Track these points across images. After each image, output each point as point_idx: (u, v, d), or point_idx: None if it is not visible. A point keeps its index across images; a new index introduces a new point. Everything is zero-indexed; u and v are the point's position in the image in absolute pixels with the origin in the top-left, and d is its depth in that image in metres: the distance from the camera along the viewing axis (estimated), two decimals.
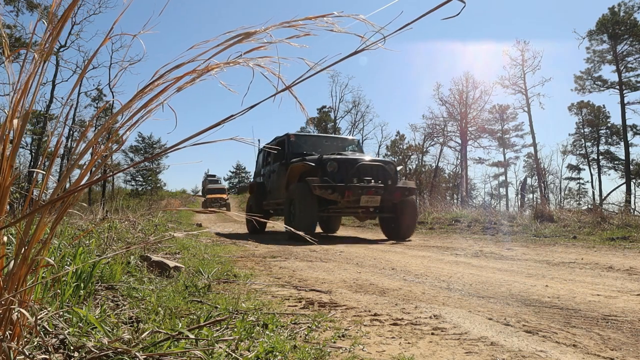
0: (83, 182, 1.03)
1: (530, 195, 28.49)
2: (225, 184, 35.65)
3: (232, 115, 0.90)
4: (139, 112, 0.99)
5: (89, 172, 1.05)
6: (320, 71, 0.90)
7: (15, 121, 0.95)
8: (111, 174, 1.12)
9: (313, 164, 6.58)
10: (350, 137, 8.98)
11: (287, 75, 0.96)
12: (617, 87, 29.18)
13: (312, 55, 0.96)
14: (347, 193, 6.17)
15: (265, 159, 9.19)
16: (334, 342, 1.45)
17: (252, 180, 10.21)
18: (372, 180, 6.47)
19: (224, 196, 27.46)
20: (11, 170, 0.98)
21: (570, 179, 37.85)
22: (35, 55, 0.97)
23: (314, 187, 6.16)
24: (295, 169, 7.02)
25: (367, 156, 7.19)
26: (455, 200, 27.52)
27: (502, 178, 38.37)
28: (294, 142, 7.87)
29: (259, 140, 9.62)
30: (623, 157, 30.67)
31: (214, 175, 35.05)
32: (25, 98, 0.98)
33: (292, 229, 1.17)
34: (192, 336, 1.26)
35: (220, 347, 1.25)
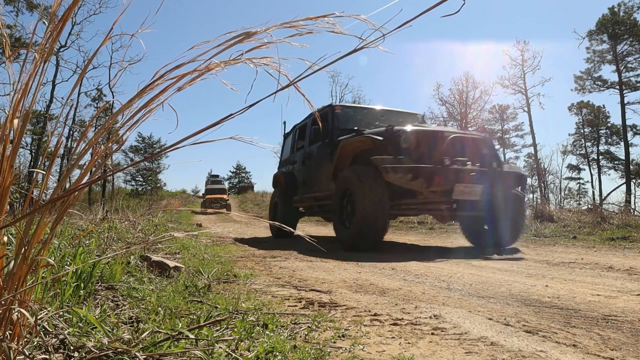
0: (83, 182, 1.03)
1: (530, 195, 28.51)
2: (226, 184, 34.19)
3: (231, 114, 0.90)
4: (140, 111, 0.99)
5: (89, 172, 1.05)
6: (323, 67, 0.90)
7: (15, 121, 0.95)
8: (111, 173, 1.12)
9: (379, 138, 4.43)
10: (412, 112, 6.44)
11: (288, 74, 0.95)
12: (617, 87, 29.20)
13: (313, 56, 0.96)
14: (436, 179, 4.06)
15: (296, 142, 7.00)
16: (334, 342, 1.45)
17: (277, 171, 7.95)
18: (470, 162, 4.31)
19: (225, 196, 25.77)
20: (11, 170, 0.98)
21: (570, 179, 37.88)
22: (36, 55, 0.97)
23: (386, 169, 4.06)
24: (347, 148, 4.91)
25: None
26: None
27: None
28: (341, 115, 5.66)
29: (285, 122, 7.99)
30: (623, 157, 30.69)
31: (217, 176, 32.92)
32: (25, 98, 0.98)
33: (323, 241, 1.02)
34: (192, 336, 1.26)
35: (220, 347, 1.25)
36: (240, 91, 0.98)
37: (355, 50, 0.87)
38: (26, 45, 1.00)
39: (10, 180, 0.98)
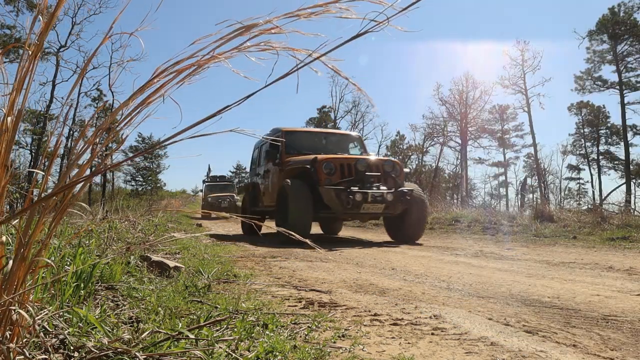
0: (81, 178, 1.02)
1: (530, 195, 28.44)
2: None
3: (228, 106, 0.89)
4: (139, 107, 0.98)
5: (87, 170, 1.05)
6: (335, 48, 0.86)
7: (8, 119, 0.95)
8: (106, 168, 1.12)
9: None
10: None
11: (289, 67, 0.92)
12: (617, 87, 29.20)
13: (318, 45, 0.92)
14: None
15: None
16: (334, 342, 1.45)
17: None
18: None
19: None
20: (5, 170, 0.97)
21: (570, 179, 37.84)
22: (30, 53, 0.97)
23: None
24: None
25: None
26: (455, 200, 27.47)
27: (502, 178, 38.36)
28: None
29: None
30: (623, 157, 30.67)
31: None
32: (20, 95, 0.97)
33: None
34: (192, 336, 1.26)
35: (220, 347, 1.25)
36: (253, 78, 0.95)
37: (359, 35, 0.83)
38: (17, 41, 1.00)
39: (6, 181, 0.98)
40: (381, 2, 0.84)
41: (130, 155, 37.67)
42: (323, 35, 0.92)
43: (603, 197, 29.66)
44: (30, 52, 0.96)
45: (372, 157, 6.43)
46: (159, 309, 1.67)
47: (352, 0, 0.87)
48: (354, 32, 0.85)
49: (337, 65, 0.92)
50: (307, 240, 1.09)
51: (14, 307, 0.97)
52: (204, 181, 22.67)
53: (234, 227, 10.82)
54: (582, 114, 35.95)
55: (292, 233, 1.06)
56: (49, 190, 1.11)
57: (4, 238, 1.02)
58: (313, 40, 0.93)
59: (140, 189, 39.37)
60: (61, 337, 1.17)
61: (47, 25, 0.96)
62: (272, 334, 1.45)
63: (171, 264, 2.65)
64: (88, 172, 1.06)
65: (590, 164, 35.39)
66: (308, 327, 1.61)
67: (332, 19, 0.89)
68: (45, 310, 1.30)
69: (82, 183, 1.02)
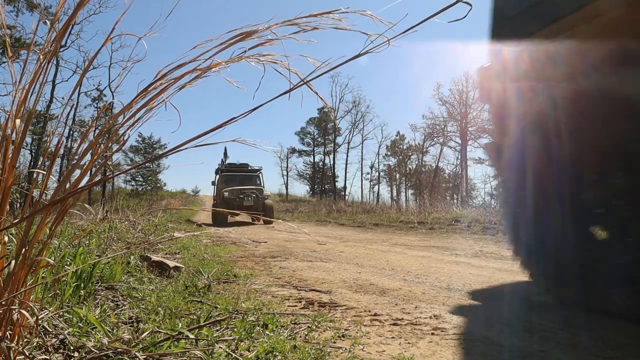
0: (83, 182, 1.03)
1: None
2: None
3: (233, 118, 0.90)
4: (140, 111, 0.98)
5: (88, 173, 1.05)
6: (335, 68, 0.88)
7: (17, 121, 0.95)
8: (111, 175, 1.12)
9: None
10: None
11: (299, 72, 0.92)
12: None
13: (316, 54, 0.94)
14: None
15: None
16: (334, 342, 1.45)
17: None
18: None
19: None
20: (13, 171, 0.98)
21: None
22: (40, 56, 0.97)
23: None
24: None
25: None
26: (455, 200, 27.46)
27: None
28: None
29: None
30: None
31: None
32: (29, 98, 0.98)
33: None
34: (192, 336, 1.26)
35: (220, 347, 1.26)
36: (246, 89, 0.97)
37: (359, 55, 0.85)
38: (27, 45, 1.00)
39: (12, 181, 0.98)
40: (371, 15, 0.85)
41: (131, 154, 37.63)
42: (315, 41, 0.94)
43: None
44: (40, 56, 0.96)
45: None
46: (159, 309, 1.68)
47: (345, 12, 0.89)
48: (347, 39, 0.86)
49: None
50: None
51: (14, 307, 0.98)
52: (217, 170, 15.24)
53: (233, 226, 10.68)
54: None
55: None
56: (50, 191, 1.11)
57: (5, 238, 1.02)
58: (307, 46, 0.94)
59: (140, 189, 39.34)
60: (61, 337, 1.17)
61: (63, 31, 0.96)
62: (272, 334, 1.45)
63: (171, 264, 2.65)
64: (90, 173, 1.06)
65: None
66: (308, 327, 1.61)
67: (325, 25, 0.90)
68: (45, 310, 1.30)
69: (85, 185, 1.02)
